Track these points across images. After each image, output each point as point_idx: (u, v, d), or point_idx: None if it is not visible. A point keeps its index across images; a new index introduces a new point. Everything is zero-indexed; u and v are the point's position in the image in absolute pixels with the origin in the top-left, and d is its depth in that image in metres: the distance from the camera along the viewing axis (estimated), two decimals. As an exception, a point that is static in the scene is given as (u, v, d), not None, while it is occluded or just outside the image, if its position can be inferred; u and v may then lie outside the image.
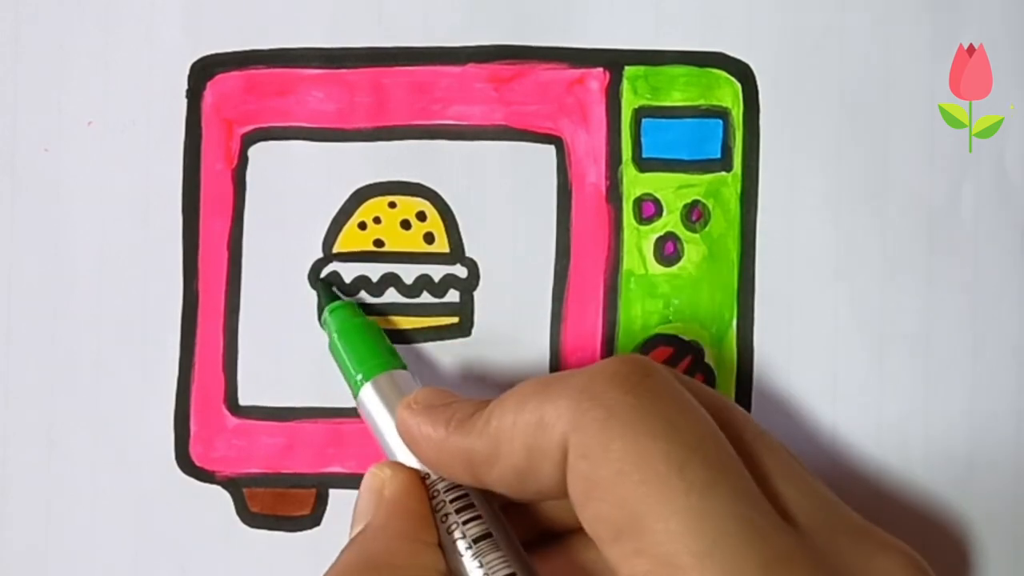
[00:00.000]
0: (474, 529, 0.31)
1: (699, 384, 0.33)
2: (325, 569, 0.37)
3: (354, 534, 0.32)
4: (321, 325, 0.37)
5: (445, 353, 0.37)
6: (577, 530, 0.30)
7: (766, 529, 0.28)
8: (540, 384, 0.30)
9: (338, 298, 0.37)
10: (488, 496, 0.32)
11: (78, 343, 0.38)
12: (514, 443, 0.30)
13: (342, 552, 0.31)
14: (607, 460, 0.28)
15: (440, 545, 0.31)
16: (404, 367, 0.35)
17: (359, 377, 0.34)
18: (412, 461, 0.33)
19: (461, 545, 0.31)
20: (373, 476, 0.33)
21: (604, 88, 0.37)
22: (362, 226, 0.37)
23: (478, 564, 0.31)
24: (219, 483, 0.37)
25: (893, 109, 0.37)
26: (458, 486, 0.32)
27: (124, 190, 0.38)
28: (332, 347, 0.36)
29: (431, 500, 0.32)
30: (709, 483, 0.27)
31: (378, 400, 0.34)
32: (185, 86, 0.38)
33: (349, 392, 0.37)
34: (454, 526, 0.31)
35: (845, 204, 0.37)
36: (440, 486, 0.32)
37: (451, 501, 0.32)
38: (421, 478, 0.33)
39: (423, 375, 0.37)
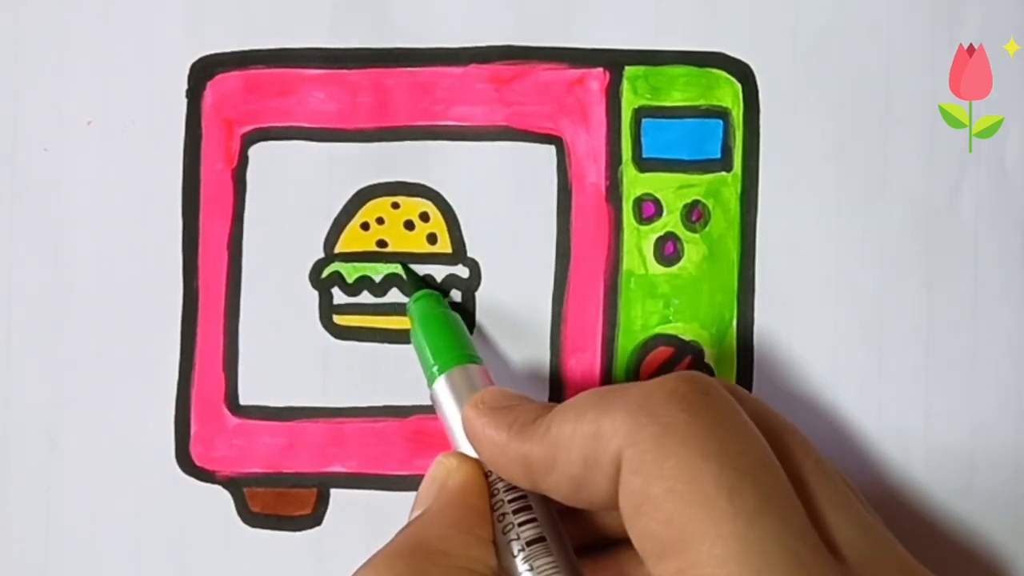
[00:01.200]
0: (529, 532, 0.31)
1: (759, 403, 0.32)
2: (326, 569, 0.37)
3: (412, 518, 0.32)
4: (406, 312, 0.37)
5: (447, 353, 0.37)
6: (629, 541, 0.30)
7: (811, 563, 0.28)
8: (600, 395, 0.30)
9: (424, 287, 0.37)
10: (546, 499, 0.32)
11: (78, 343, 0.38)
12: (571, 452, 0.30)
13: (398, 533, 0.31)
14: (659, 477, 0.28)
15: (494, 542, 0.32)
16: (479, 362, 0.35)
17: (434, 368, 0.35)
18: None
19: (515, 546, 0.31)
20: (439, 464, 0.33)
21: (604, 88, 0.37)
22: (365, 226, 0.37)
23: (529, 567, 0.31)
24: (219, 483, 0.37)
25: (893, 109, 0.37)
26: (517, 487, 0.32)
27: (124, 190, 0.38)
28: (413, 335, 0.36)
29: (491, 498, 0.32)
30: (757, 510, 0.27)
31: (450, 394, 0.34)
32: (185, 86, 0.38)
33: (350, 391, 0.37)
34: (510, 526, 0.32)
35: (845, 204, 0.37)
36: (500, 485, 0.32)
37: (509, 501, 0.32)
38: (484, 474, 0.33)
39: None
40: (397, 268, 0.37)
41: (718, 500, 0.27)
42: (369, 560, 0.30)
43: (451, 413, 0.34)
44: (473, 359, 0.35)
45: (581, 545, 0.33)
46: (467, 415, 0.33)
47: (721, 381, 0.31)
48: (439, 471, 0.33)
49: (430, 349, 0.35)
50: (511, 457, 0.31)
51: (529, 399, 0.33)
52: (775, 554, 0.27)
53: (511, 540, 0.31)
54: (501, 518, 0.32)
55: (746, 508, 0.27)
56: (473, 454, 0.33)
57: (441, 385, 0.34)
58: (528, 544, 0.31)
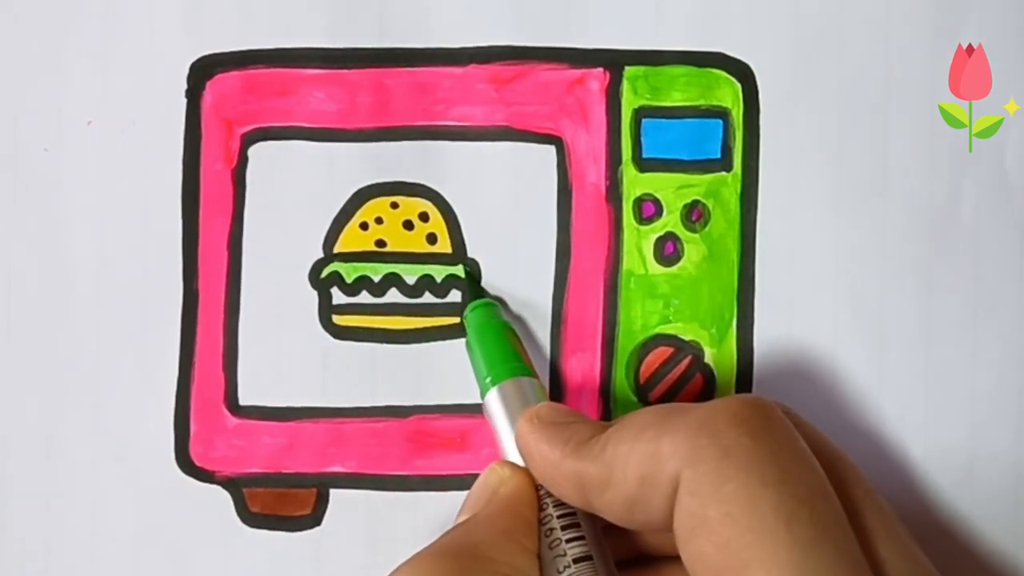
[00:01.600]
0: (576, 549, 0.31)
1: (815, 431, 0.32)
2: (325, 569, 0.37)
3: (459, 521, 0.32)
4: (462, 320, 0.37)
5: (447, 353, 0.37)
6: (673, 558, 0.30)
7: None
8: (659, 414, 0.30)
9: (482, 295, 0.37)
10: (593, 517, 0.32)
11: (78, 343, 0.38)
12: (627, 472, 0.30)
13: (445, 533, 0.31)
14: (717, 500, 0.28)
15: (539, 556, 0.31)
16: (535, 375, 0.35)
17: (487, 379, 0.35)
18: None
19: (560, 562, 0.31)
20: (492, 471, 0.33)
21: (604, 88, 0.37)
22: (363, 226, 0.37)
23: None
24: (219, 483, 0.37)
25: (893, 109, 0.37)
26: (567, 504, 0.32)
27: (124, 190, 0.38)
28: (468, 345, 0.36)
29: (539, 512, 0.32)
30: (814, 540, 0.27)
31: (501, 406, 0.34)
32: (185, 86, 0.38)
33: (349, 391, 0.37)
34: (557, 542, 0.31)
35: (845, 204, 0.37)
36: (549, 500, 0.32)
37: (558, 517, 0.32)
38: (536, 487, 0.33)
39: (433, 373, 0.37)
40: (396, 268, 0.37)
41: (776, 528, 0.27)
42: (414, 556, 0.30)
43: (502, 426, 0.34)
44: (527, 372, 0.35)
45: (620, 561, 0.33)
46: (521, 430, 0.33)
47: (779, 405, 0.31)
48: (491, 478, 0.33)
49: (484, 360, 0.35)
50: (564, 474, 0.31)
51: (584, 416, 0.33)
52: None
53: (557, 556, 0.31)
54: (548, 533, 0.32)
55: (803, 537, 0.27)
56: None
57: (493, 397, 0.34)
58: (575, 561, 0.31)
